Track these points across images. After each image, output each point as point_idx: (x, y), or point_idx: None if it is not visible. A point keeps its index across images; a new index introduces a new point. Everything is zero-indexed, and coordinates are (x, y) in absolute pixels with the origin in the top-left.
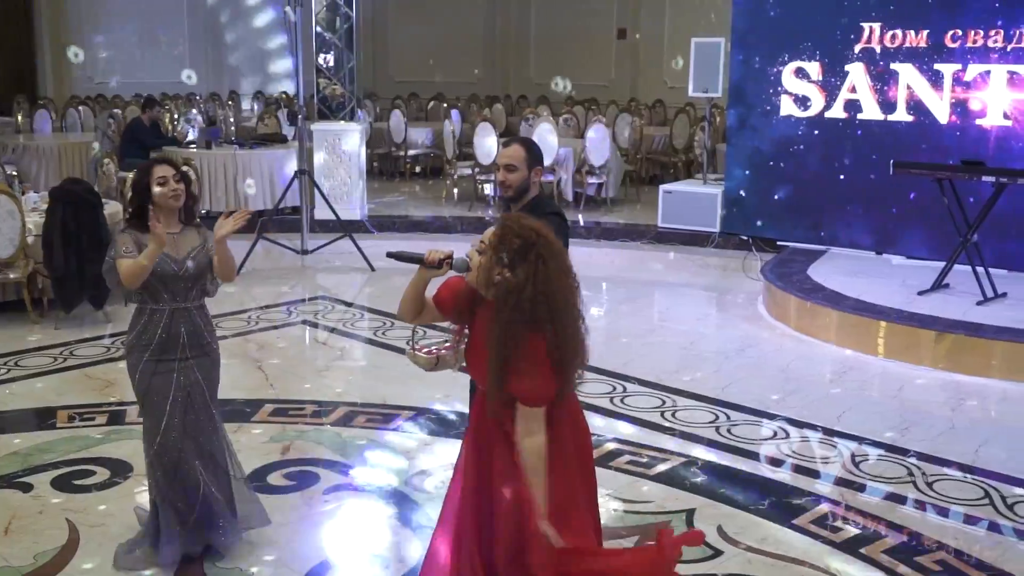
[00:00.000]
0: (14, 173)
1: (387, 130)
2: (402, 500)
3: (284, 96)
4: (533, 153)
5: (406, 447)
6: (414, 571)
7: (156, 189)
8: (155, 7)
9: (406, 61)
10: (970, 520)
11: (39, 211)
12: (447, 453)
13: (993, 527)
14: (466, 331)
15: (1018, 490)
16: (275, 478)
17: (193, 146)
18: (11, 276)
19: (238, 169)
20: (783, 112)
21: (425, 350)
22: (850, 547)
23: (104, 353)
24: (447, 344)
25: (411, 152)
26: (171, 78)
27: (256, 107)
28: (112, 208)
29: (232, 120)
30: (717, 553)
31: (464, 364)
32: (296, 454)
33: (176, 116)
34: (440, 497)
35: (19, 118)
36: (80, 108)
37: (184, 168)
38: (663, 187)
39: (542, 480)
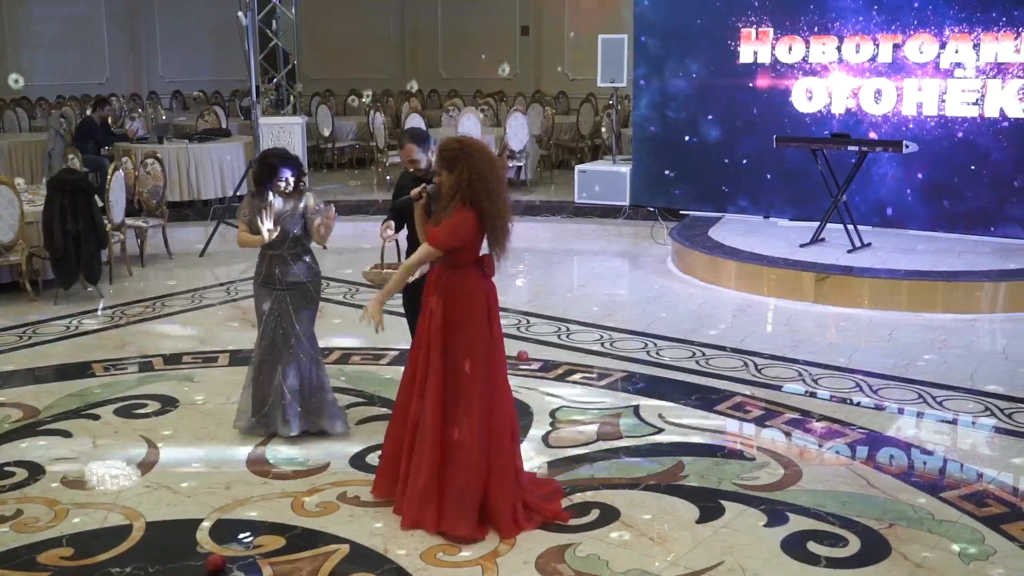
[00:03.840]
0: None
1: (315, 124)
2: None
3: (201, 94)
4: (420, 142)
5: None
6: None
7: (277, 184)
8: (75, 10)
9: (319, 59)
10: (839, 400)
11: (26, 200)
12: None
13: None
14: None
15: (875, 381)
16: None
17: (145, 141)
18: (11, 259)
19: (191, 160)
20: (683, 98)
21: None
22: (759, 422)
23: (109, 321)
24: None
25: (338, 145)
26: (94, 79)
27: (175, 105)
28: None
29: (164, 117)
30: (659, 430)
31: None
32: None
33: (122, 114)
34: None
35: None
36: (17, 110)
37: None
38: (578, 167)
39: (402, 276)
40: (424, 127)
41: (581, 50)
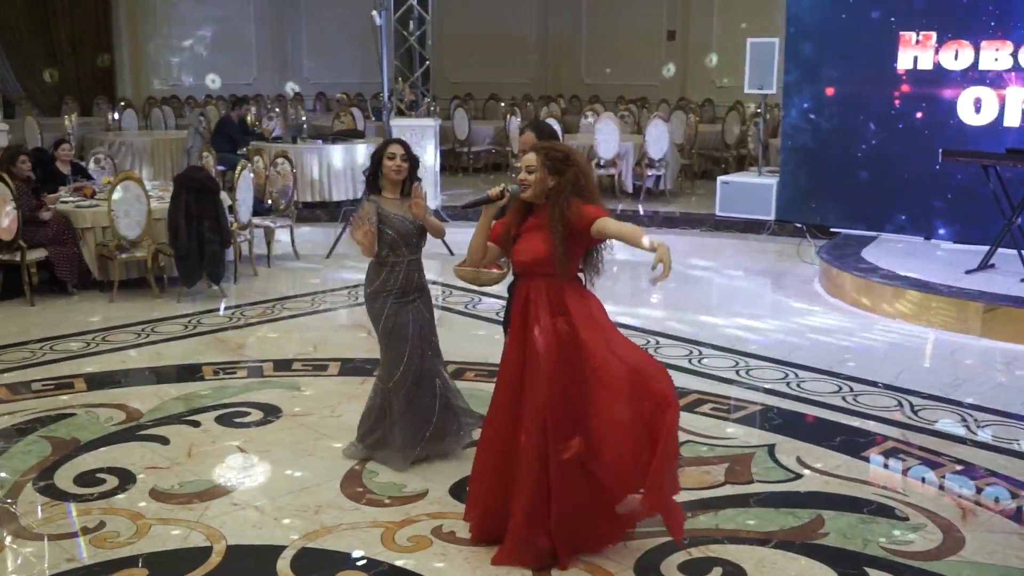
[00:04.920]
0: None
1: (451, 128)
2: None
3: (345, 96)
4: (544, 132)
5: None
6: None
7: (386, 162)
8: (225, 11)
9: (460, 62)
10: (1011, 453)
11: (154, 197)
12: None
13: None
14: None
15: None
16: None
17: (280, 141)
18: (137, 255)
19: (322, 162)
20: (837, 106)
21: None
22: (914, 473)
23: (228, 321)
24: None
25: (474, 149)
26: (242, 79)
27: (319, 106)
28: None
29: (304, 118)
30: (798, 476)
31: (512, 266)
32: None
33: (259, 114)
34: None
35: (109, 117)
36: (163, 108)
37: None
38: (721, 178)
39: (627, 229)
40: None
41: (729, 55)
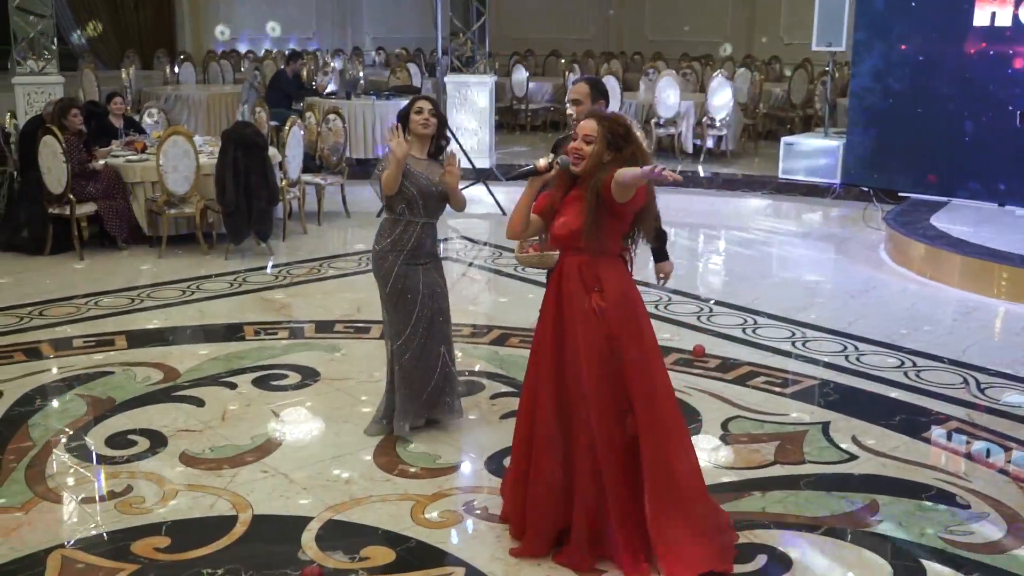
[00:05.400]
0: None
1: (509, 85)
2: None
3: (404, 52)
4: (598, 89)
5: None
6: None
7: (412, 116)
8: None
9: (521, 19)
10: None
11: (205, 152)
12: None
13: None
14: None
15: None
16: None
17: (334, 97)
18: (186, 211)
19: (376, 118)
20: (909, 65)
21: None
22: (979, 457)
23: (273, 280)
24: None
25: (531, 106)
26: (300, 34)
27: (378, 61)
28: (270, 151)
29: (361, 74)
30: (852, 457)
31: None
32: (461, 367)
33: (314, 69)
34: None
35: (167, 71)
36: (221, 62)
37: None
38: (785, 139)
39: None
40: (620, 90)
41: (798, 12)
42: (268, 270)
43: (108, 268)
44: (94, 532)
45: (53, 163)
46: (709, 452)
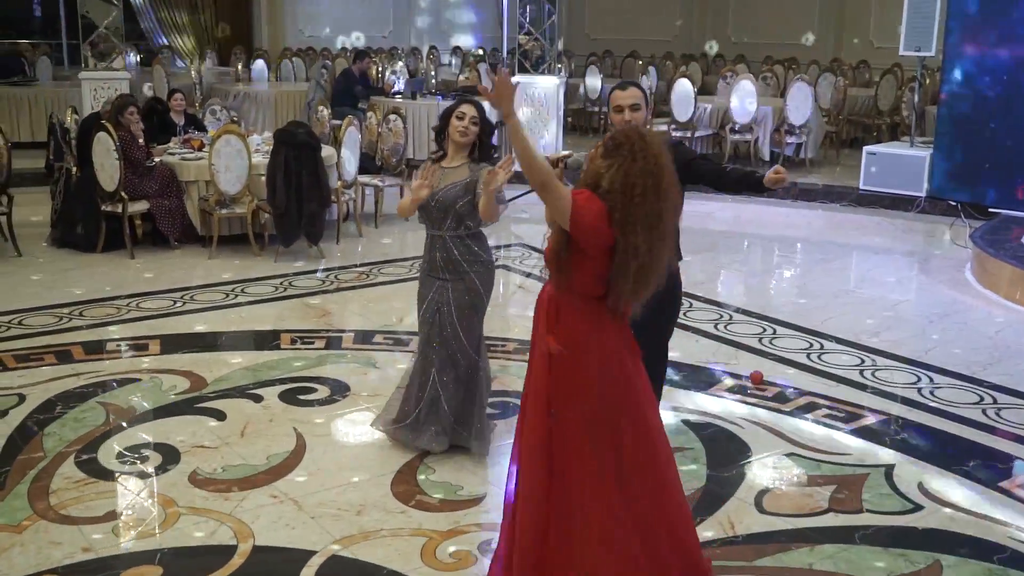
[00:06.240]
0: (235, 118)
1: (583, 86)
2: None
3: (482, 51)
4: (647, 95)
5: None
6: None
7: (453, 121)
8: None
9: (602, 19)
10: None
11: (261, 152)
12: None
13: None
14: None
15: None
16: None
17: (399, 96)
18: (237, 211)
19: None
20: (1003, 72)
21: None
22: None
23: (320, 285)
24: None
25: (605, 109)
26: (377, 31)
27: (454, 62)
28: (326, 152)
29: (434, 74)
30: (916, 508)
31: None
32: (499, 386)
33: (382, 68)
34: None
35: (239, 68)
36: (293, 60)
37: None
38: (867, 148)
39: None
40: (694, 92)
41: (890, 14)
42: (318, 274)
43: (158, 268)
44: (85, 558)
45: (106, 160)
46: (755, 494)
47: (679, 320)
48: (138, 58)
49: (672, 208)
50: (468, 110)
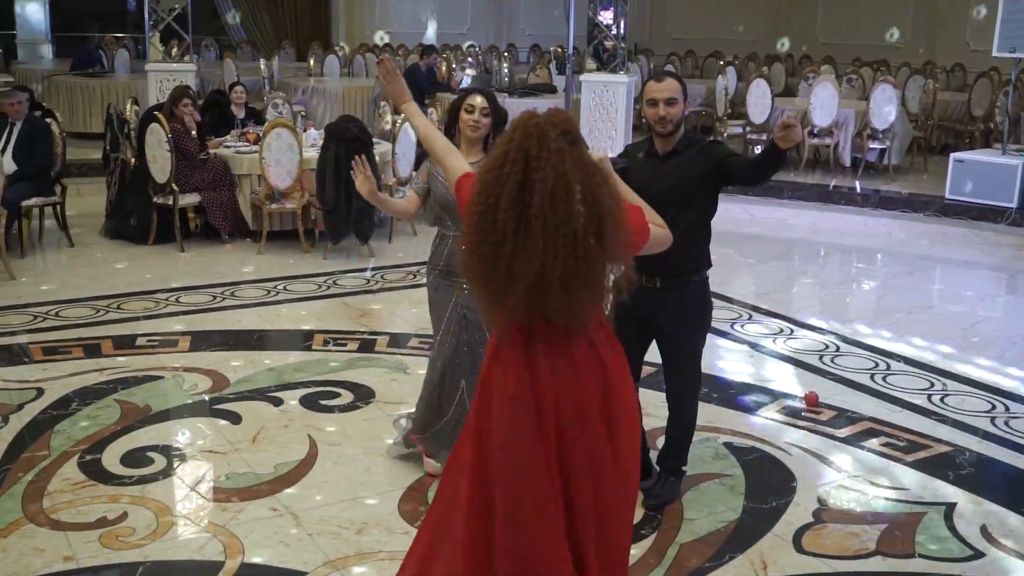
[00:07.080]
0: (303, 112)
1: None
2: None
3: (558, 49)
4: (686, 88)
5: None
6: None
7: (463, 114)
8: None
9: (686, 17)
10: None
11: (317, 147)
12: None
13: None
14: None
15: None
16: None
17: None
18: (287, 206)
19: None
20: None
21: None
22: None
23: (364, 285)
24: None
25: None
26: (453, 29)
27: (531, 59)
28: (382, 148)
29: (507, 71)
30: (978, 555)
31: None
32: None
33: (453, 65)
34: None
35: (311, 63)
36: (366, 55)
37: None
38: (954, 155)
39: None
40: (772, 95)
41: (987, 14)
42: (367, 273)
43: (206, 262)
44: (65, 567)
45: (158, 152)
46: (794, 530)
47: (732, 333)
48: (218, 52)
49: (538, 216)
50: (477, 101)
